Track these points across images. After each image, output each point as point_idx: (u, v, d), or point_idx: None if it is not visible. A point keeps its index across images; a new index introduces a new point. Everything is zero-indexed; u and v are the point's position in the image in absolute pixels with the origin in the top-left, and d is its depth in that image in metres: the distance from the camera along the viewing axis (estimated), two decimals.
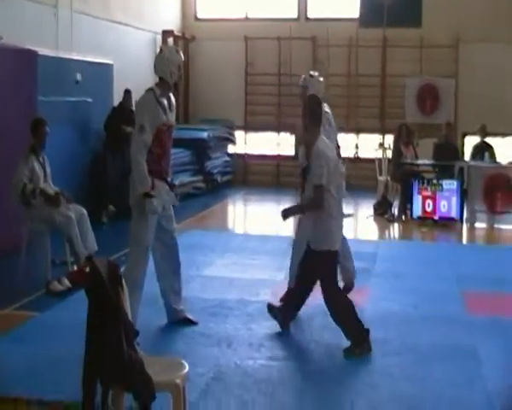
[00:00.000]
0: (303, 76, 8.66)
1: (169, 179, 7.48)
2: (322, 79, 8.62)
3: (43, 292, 8.82)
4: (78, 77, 13.30)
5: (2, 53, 10.88)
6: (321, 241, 6.97)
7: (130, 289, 6.61)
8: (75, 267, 9.23)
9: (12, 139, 10.54)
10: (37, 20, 12.93)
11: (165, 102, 7.19)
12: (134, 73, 15.43)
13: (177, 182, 16.21)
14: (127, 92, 13.83)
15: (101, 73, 13.97)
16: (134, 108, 12.00)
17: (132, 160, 7.02)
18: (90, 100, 13.34)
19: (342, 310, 7.04)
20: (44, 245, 9.13)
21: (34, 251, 9.48)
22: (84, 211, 9.40)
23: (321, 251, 6.97)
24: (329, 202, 6.90)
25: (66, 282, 8.87)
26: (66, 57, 13.27)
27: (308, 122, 7.04)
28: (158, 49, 18.24)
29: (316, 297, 7.35)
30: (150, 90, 7.18)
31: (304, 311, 7.71)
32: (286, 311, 7.55)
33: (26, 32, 12.38)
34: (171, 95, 7.36)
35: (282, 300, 7.95)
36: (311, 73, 8.67)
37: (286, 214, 7.32)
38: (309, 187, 6.97)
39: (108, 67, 14.20)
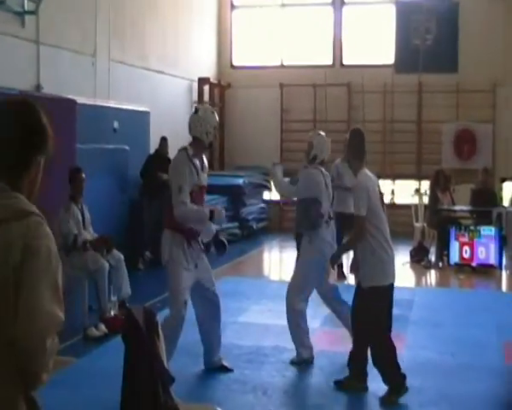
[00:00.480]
0: (310, 133, 8.76)
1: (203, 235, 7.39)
2: (328, 139, 8.45)
3: (81, 338, 8.89)
4: (116, 125, 13.45)
5: (42, 102, 10.97)
6: (369, 276, 6.85)
7: (167, 338, 6.68)
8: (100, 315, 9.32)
9: (52, 187, 10.63)
10: (76, 70, 13.16)
11: (198, 162, 7.17)
12: (170, 121, 15.59)
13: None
14: (163, 139, 13.95)
15: (138, 120, 14.12)
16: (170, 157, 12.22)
17: (183, 218, 6.97)
18: (127, 147, 13.47)
19: (384, 353, 6.92)
20: (82, 291, 9.25)
21: (72, 297, 9.55)
22: (122, 257, 9.50)
23: (369, 287, 6.82)
24: (372, 234, 6.83)
25: (103, 328, 8.93)
26: (103, 105, 13.44)
27: (350, 157, 7.21)
28: (194, 97, 18.57)
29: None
30: (183, 149, 7.16)
31: (341, 357, 7.64)
32: (358, 375, 7.12)
33: (65, 81, 12.61)
34: (204, 156, 7.38)
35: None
36: (319, 132, 8.62)
37: (333, 261, 7.54)
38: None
39: (145, 114, 14.35)
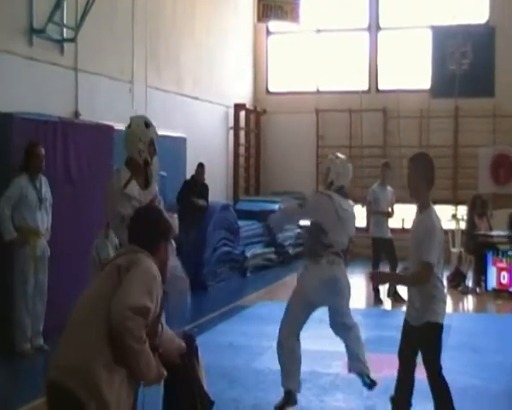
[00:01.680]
0: (329, 156, 7.98)
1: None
2: (349, 165, 7.78)
3: None
4: None
5: (80, 129, 11.19)
6: (423, 313, 6.15)
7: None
8: None
9: (90, 213, 10.78)
10: (114, 96, 13.32)
11: (135, 186, 6.32)
12: (207, 147, 15.69)
13: (249, 254, 16.33)
14: (200, 166, 14.03)
15: (175, 146, 14.20)
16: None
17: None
18: (164, 173, 13.54)
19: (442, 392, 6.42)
20: None
21: None
22: None
23: (425, 323, 6.18)
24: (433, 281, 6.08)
25: None
26: None
27: (418, 186, 6.06)
28: (230, 123, 18.70)
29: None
30: (116, 175, 6.43)
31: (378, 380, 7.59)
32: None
33: (102, 107, 12.76)
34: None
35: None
36: (338, 154, 7.84)
37: (380, 278, 7.15)
38: (413, 258, 6.17)
39: (181, 140, 14.44)
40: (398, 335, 7.53)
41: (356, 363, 7.57)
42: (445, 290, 6.45)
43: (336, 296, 7.44)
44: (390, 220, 13.80)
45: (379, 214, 13.17)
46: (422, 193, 6.04)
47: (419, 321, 6.12)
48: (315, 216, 7.39)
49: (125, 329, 3.93)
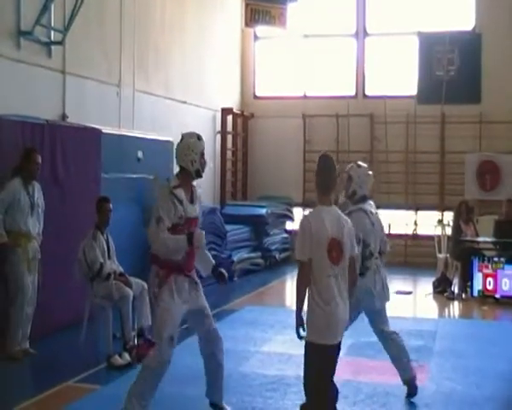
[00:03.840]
0: (351, 164, 7.81)
1: (203, 265, 7.04)
2: (370, 172, 7.74)
3: (105, 366, 8.92)
4: (140, 154, 13.52)
5: (67, 131, 11.17)
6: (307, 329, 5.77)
7: (150, 375, 6.56)
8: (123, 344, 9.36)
9: (77, 215, 10.77)
10: (101, 99, 13.30)
11: (183, 193, 6.64)
12: None
13: (235, 258, 16.33)
14: None
15: (162, 150, 14.17)
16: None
17: (160, 248, 6.53)
18: (151, 177, 13.56)
19: None
20: (106, 320, 9.30)
21: (96, 325, 9.66)
22: (145, 285, 9.53)
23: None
24: (315, 281, 5.71)
25: (127, 356, 8.94)
26: (128, 135, 13.54)
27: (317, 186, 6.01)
28: (218, 127, 18.71)
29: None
30: (167, 181, 6.81)
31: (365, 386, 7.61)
32: None
33: (90, 110, 12.75)
34: (195, 186, 6.85)
35: None
36: (360, 163, 7.80)
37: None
38: None
39: (169, 144, 14.39)
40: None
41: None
42: (337, 307, 5.70)
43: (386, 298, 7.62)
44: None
45: None
46: (317, 193, 5.95)
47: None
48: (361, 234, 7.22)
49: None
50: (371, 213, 7.47)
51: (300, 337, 5.70)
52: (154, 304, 6.79)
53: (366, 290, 7.36)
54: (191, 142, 6.76)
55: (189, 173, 6.74)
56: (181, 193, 6.62)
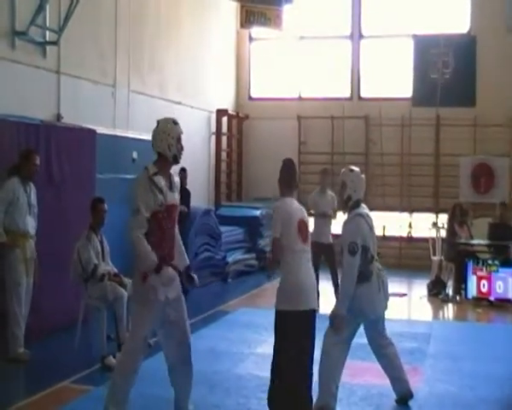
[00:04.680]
0: (342, 170, 7.73)
1: (180, 260, 6.82)
2: (363, 175, 7.68)
3: (99, 367, 8.90)
4: (135, 155, 13.52)
5: (62, 132, 11.16)
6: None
7: (122, 377, 6.46)
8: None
9: (71, 216, 10.75)
10: (96, 100, 13.28)
11: (162, 180, 6.52)
12: (189, 152, 15.52)
13: (230, 259, 16.32)
14: (182, 170, 13.98)
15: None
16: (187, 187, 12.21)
17: (131, 241, 6.40)
18: None
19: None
20: (100, 321, 9.29)
21: (90, 326, 9.65)
22: None
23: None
24: (287, 255, 6.57)
25: None
26: (122, 136, 13.54)
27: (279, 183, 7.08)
28: (213, 128, 18.68)
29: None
30: (144, 169, 6.56)
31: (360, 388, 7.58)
32: None
33: (84, 111, 12.73)
34: (173, 173, 6.76)
35: None
36: (351, 167, 7.71)
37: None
38: None
39: None
40: None
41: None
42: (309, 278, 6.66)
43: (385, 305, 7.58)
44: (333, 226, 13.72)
45: (318, 219, 13.06)
46: (280, 188, 6.98)
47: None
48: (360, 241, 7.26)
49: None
50: (368, 216, 7.44)
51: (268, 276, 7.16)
52: (133, 298, 6.71)
53: (371, 297, 7.27)
54: (167, 126, 6.62)
55: (167, 159, 6.60)
56: (160, 180, 6.49)
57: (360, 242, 7.16)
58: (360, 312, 7.23)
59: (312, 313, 6.55)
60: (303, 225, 6.67)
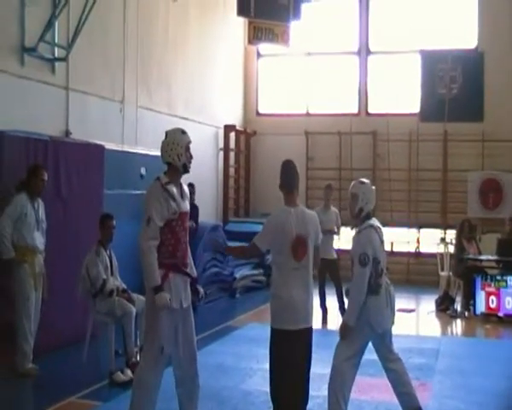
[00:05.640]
0: (353, 183, 7.69)
1: (189, 271, 6.83)
2: (373, 187, 7.68)
3: (107, 382, 8.90)
4: (143, 171, 13.53)
5: (71, 147, 11.19)
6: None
7: (141, 391, 6.44)
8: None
9: (80, 231, 10.77)
10: (104, 116, 13.33)
11: (174, 189, 6.61)
12: (196, 167, 15.54)
13: (238, 275, 16.31)
14: (190, 186, 13.99)
15: (165, 166, 14.16)
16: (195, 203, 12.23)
17: (140, 253, 6.47)
18: None
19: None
20: (109, 336, 9.30)
21: (99, 342, 9.66)
22: None
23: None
24: (278, 274, 6.52)
25: (129, 373, 8.91)
26: (131, 151, 13.56)
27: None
28: (220, 144, 18.67)
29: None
30: (157, 179, 6.63)
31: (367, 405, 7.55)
32: None
33: (93, 127, 12.77)
34: (183, 184, 6.87)
35: None
36: (362, 179, 7.68)
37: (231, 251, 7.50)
38: None
39: None
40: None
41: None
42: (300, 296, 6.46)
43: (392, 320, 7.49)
44: (338, 241, 13.74)
45: (322, 234, 13.06)
46: (283, 195, 6.79)
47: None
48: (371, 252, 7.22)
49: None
50: (379, 228, 7.42)
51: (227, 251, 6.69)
52: (147, 307, 6.67)
53: (379, 310, 7.22)
54: (176, 136, 6.73)
55: (177, 169, 6.71)
56: (173, 188, 6.59)
57: (371, 253, 7.14)
58: (367, 324, 7.19)
59: (303, 332, 6.49)
60: (300, 241, 6.45)
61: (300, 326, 6.44)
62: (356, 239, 7.36)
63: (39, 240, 9.37)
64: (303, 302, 6.46)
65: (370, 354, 7.69)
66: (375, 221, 7.45)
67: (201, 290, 7.01)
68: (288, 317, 6.39)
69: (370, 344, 7.52)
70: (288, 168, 6.84)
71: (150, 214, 6.43)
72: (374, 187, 7.70)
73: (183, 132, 6.80)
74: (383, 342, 7.45)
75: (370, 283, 7.14)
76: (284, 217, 6.51)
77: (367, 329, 7.22)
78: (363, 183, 7.58)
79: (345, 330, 7.15)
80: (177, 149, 6.66)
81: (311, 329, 6.58)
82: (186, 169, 6.76)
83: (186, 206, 6.80)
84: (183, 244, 6.70)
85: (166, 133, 6.80)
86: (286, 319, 6.40)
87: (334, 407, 7.22)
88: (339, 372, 7.21)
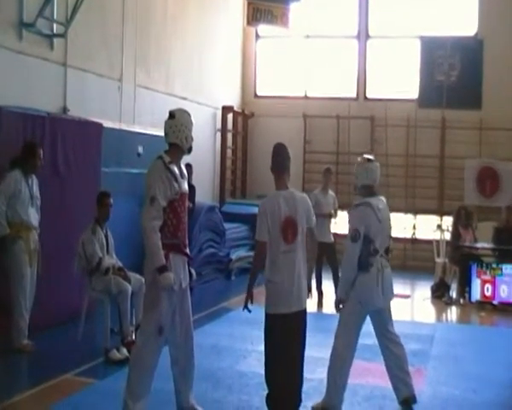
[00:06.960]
0: (359, 159, 7.71)
1: (187, 252, 6.82)
2: (370, 164, 7.57)
3: (102, 360, 8.90)
4: (140, 149, 13.50)
5: (68, 124, 11.13)
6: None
7: (138, 370, 6.44)
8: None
9: (76, 209, 10.73)
10: (102, 93, 13.23)
11: (176, 169, 6.61)
12: (194, 147, 15.49)
13: (234, 256, 16.29)
14: (188, 166, 13.92)
15: (162, 146, 14.05)
16: (192, 183, 12.21)
17: (144, 233, 6.39)
18: None
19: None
20: (104, 314, 9.29)
21: (94, 319, 9.64)
22: (143, 281, 9.49)
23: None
24: (270, 258, 6.43)
25: (125, 351, 8.90)
26: (128, 130, 13.50)
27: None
28: (218, 125, 18.60)
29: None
30: (159, 158, 6.58)
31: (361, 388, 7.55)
32: None
33: (91, 104, 12.69)
34: (182, 164, 6.85)
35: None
36: (366, 156, 7.68)
37: None
38: None
39: None
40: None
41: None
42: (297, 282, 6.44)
43: (390, 297, 7.52)
44: (335, 225, 13.99)
45: (320, 218, 13.10)
46: (274, 178, 6.73)
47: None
48: (363, 229, 7.24)
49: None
50: (378, 209, 7.38)
51: (248, 309, 6.54)
52: (148, 287, 6.62)
53: (368, 287, 7.27)
54: (185, 118, 6.73)
55: (180, 150, 6.72)
56: (175, 168, 6.58)
57: (363, 230, 7.17)
58: (358, 300, 7.26)
59: (297, 315, 6.48)
60: (289, 223, 6.40)
61: (293, 309, 6.42)
62: (350, 214, 7.46)
63: (34, 216, 9.34)
64: (295, 285, 6.42)
65: (366, 339, 7.69)
66: (375, 200, 7.42)
67: (193, 272, 6.98)
68: (280, 301, 6.39)
69: (367, 328, 7.52)
70: (279, 151, 6.75)
71: (154, 194, 6.38)
72: (370, 164, 7.59)
73: (189, 114, 6.80)
74: (379, 319, 7.47)
75: (360, 259, 7.20)
76: (274, 201, 6.48)
77: (358, 307, 7.29)
78: (361, 159, 7.64)
79: (336, 303, 7.38)
80: (185, 132, 6.67)
81: (304, 311, 6.56)
82: (190, 151, 6.79)
83: (186, 186, 6.76)
84: (183, 225, 6.68)
85: (172, 113, 6.72)
86: (279, 303, 6.39)
87: (333, 392, 7.24)
88: (339, 357, 7.24)
